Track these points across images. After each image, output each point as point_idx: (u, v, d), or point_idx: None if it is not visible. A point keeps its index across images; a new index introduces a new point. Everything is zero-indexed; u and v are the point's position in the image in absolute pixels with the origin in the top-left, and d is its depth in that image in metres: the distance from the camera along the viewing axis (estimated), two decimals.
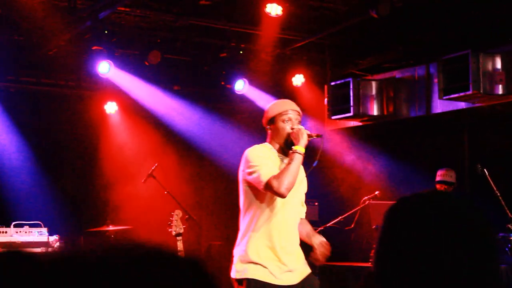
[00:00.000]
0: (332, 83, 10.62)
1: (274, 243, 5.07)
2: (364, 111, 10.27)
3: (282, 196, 4.97)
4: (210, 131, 12.32)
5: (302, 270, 5.19)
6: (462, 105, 9.44)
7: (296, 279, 5.12)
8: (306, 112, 11.60)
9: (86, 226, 10.57)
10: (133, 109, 11.73)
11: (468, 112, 9.73)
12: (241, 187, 5.24)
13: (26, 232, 9.43)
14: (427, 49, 9.98)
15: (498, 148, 10.29)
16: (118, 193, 11.53)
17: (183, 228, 7.86)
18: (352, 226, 9.64)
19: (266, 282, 5.02)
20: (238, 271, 5.13)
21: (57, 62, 10.53)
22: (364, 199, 9.33)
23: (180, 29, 9.93)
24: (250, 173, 5.08)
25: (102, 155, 11.86)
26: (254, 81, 11.38)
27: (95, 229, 10.33)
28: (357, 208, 9.45)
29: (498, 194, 6.57)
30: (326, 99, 10.70)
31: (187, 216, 9.30)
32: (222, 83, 11.45)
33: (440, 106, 9.78)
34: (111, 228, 10.12)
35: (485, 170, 6.64)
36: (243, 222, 5.21)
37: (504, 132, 10.28)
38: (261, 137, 12.72)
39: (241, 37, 10.33)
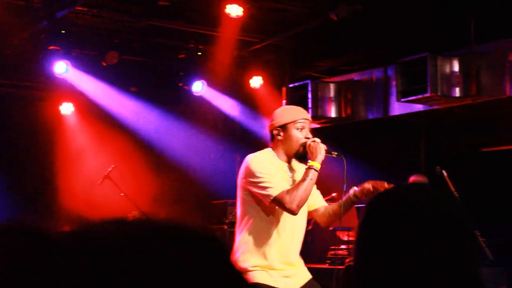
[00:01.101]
0: (291, 85, 10.63)
1: (272, 252, 4.90)
2: (322, 113, 10.30)
3: (293, 213, 4.79)
4: (168, 132, 12.26)
5: (302, 275, 5.04)
6: (419, 107, 9.52)
7: (295, 285, 4.95)
8: (264, 114, 11.62)
9: None
10: (90, 110, 11.62)
11: (425, 114, 9.82)
12: (240, 195, 5.01)
13: None
14: (385, 52, 10.05)
15: (454, 150, 10.42)
16: (74, 194, 11.39)
17: None
18: (310, 227, 9.64)
19: (265, 284, 4.87)
20: None
21: (13, 62, 10.37)
22: None
23: (138, 30, 9.87)
24: (255, 184, 4.85)
25: (58, 156, 11.72)
26: (212, 83, 11.36)
27: None
28: None
29: (457, 195, 6.63)
30: (284, 101, 10.70)
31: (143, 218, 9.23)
32: (180, 84, 11.41)
33: (397, 108, 9.85)
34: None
35: (443, 171, 6.70)
36: (240, 230, 5.03)
37: (460, 134, 10.41)
38: (219, 138, 12.71)
39: (199, 39, 10.30)
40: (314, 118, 10.40)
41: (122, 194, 9.68)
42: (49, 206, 11.41)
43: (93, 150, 11.75)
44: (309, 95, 10.21)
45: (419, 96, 8.84)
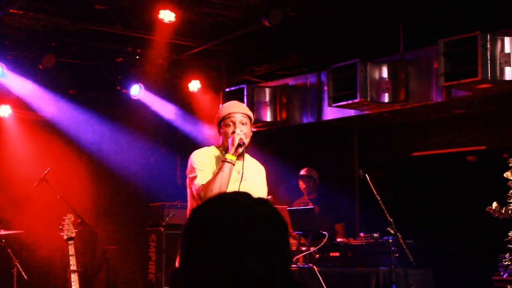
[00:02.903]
0: (227, 89, 10.73)
1: None
2: (258, 117, 10.41)
3: None
4: (106, 136, 12.25)
5: None
6: (351, 112, 9.69)
7: None
8: (202, 118, 11.71)
9: None
10: (28, 112, 11.58)
11: (356, 119, 10.00)
12: (188, 190, 5.14)
13: None
14: (319, 57, 10.21)
15: (385, 154, 10.62)
16: (9, 197, 11.35)
17: (75, 232, 7.84)
18: None
19: None
20: None
21: None
22: None
23: (76, 33, 9.87)
24: (190, 179, 5.01)
25: None
26: (150, 86, 11.41)
27: None
28: None
29: (379, 198, 6.79)
30: (221, 105, 10.79)
31: (79, 220, 9.28)
32: (118, 87, 11.43)
33: (330, 113, 10.02)
34: (2, 232, 9.98)
35: (366, 175, 6.85)
36: None
37: (391, 139, 10.61)
38: (159, 141, 12.74)
39: (137, 42, 10.33)
40: None
41: (59, 196, 9.69)
42: None
43: (30, 152, 11.70)
44: (245, 100, 10.32)
45: (350, 102, 8.98)
